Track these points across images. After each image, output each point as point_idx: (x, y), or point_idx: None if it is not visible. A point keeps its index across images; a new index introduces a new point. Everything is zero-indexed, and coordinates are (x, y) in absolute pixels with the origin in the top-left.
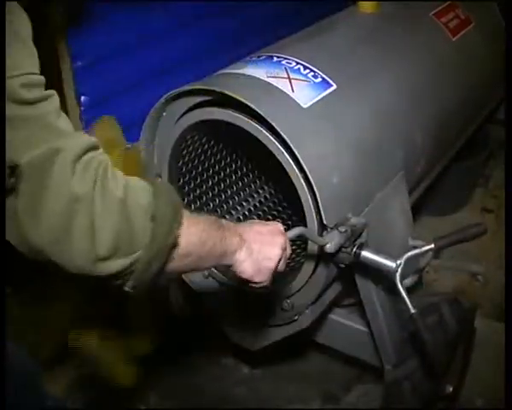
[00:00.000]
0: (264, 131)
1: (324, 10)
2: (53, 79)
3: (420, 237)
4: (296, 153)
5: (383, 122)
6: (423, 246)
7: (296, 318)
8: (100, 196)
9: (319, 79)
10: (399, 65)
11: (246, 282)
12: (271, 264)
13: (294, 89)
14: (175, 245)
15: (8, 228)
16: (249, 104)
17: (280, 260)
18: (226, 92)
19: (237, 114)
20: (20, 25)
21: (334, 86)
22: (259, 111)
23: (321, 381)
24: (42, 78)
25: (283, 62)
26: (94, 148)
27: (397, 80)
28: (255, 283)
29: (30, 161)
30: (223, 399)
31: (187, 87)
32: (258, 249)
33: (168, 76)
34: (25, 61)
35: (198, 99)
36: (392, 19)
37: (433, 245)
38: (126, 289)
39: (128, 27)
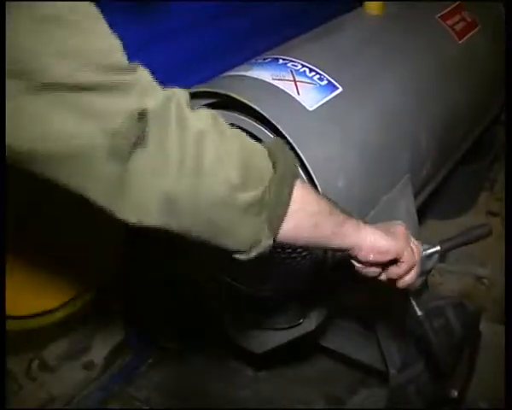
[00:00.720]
0: (270, 134)
1: (331, 10)
2: None
3: (426, 241)
4: (301, 155)
5: (389, 125)
6: (429, 249)
7: (301, 321)
8: (218, 131)
9: (325, 82)
10: (405, 68)
11: (387, 266)
12: (402, 232)
13: (300, 91)
14: (294, 183)
15: (135, 191)
16: (254, 106)
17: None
18: (231, 95)
19: (242, 117)
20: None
21: (340, 89)
22: (264, 113)
23: (325, 384)
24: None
25: (289, 65)
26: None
27: (403, 83)
28: (399, 261)
29: (154, 105)
30: (227, 401)
31: (192, 90)
32: (384, 225)
33: (174, 77)
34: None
35: (203, 102)
36: (398, 21)
37: (439, 247)
38: (265, 238)
39: (132, 28)
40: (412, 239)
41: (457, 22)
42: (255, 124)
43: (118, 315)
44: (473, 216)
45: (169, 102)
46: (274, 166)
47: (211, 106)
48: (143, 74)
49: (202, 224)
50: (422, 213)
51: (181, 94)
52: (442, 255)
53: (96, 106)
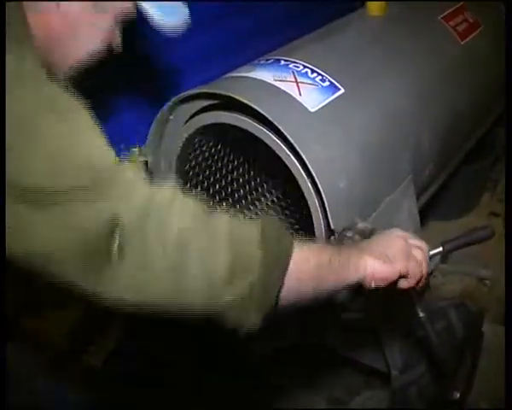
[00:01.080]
0: (272, 135)
1: (334, 11)
2: None
3: (428, 242)
4: (303, 157)
5: (391, 126)
6: (431, 250)
7: None
8: (203, 227)
9: (327, 83)
10: (408, 69)
11: (393, 285)
12: (401, 250)
13: (302, 93)
14: (287, 265)
15: (115, 292)
16: (256, 108)
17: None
18: (233, 96)
19: (244, 118)
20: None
21: (342, 90)
22: (266, 115)
23: (327, 385)
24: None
25: (291, 66)
26: (178, 191)
27: (405, 84)
28: (404, 278)
29: (129, 217)
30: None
31: (194, 91)
32: (382, 246)
33: (175, 79)
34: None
35: (205, 102)
36: (401, 22)
37: (441, 248)
38: (250, 325)
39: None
40: (414, 241)
41: (460, 23)
42: (257, 125)
43: None
44: (475, 217)
45: (147, 210)
46: (265, 248)
47: (213, 107)
48: (124, 176)
49: (184, 314)
50: (424, 214)
51: (165, 192)
52: (444, 256)
53: (69, 216)
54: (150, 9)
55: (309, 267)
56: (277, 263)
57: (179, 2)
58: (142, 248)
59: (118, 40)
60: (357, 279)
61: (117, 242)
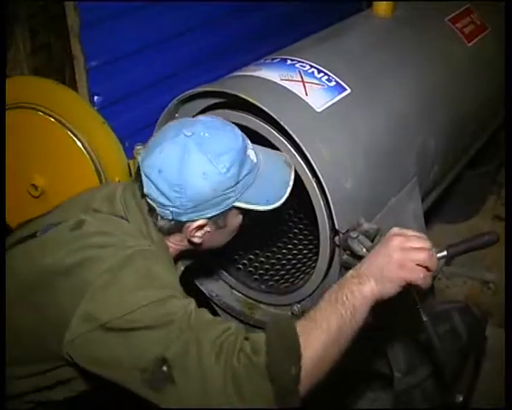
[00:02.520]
0: (277, 135)
1: (341, 12)
2: (67, 79)
3: (432, 244)
4: (309, 157)
5: (397, 127)
6: (436, 252)
7: None
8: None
9: (333, 83)
10: (414, 70)
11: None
12: (398, 264)
13: (308, 92)
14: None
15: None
16: (262, 107)
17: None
18: (239, 95)
19: (250, 117)
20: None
21: (349, 90)
22: (272, 114)
23: (330, 388)
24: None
25: (297, 65)
26: (226, 330)
27: (411, 86)
28: (410, 285)
29: (174, 353)
30: None
31: (200, 89)
32: (380, 265)
33: (182, 77)
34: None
35: (211, 101)
36: (408, 23)
37: (445, 252)
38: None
39: (142, 28)
40: (413, 242)
41: (467, 25)
42: (263, 124)
43: None
44: (480, 220)
45: (189, 347)
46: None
47: (219, 105)
48: (182, 318)
49: None
50: (430, 216)
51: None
52: (448, 260)
53: (133, 346)
54: (253, 208)
55: (321, 345)
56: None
57: None
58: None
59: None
60: (369, 306)
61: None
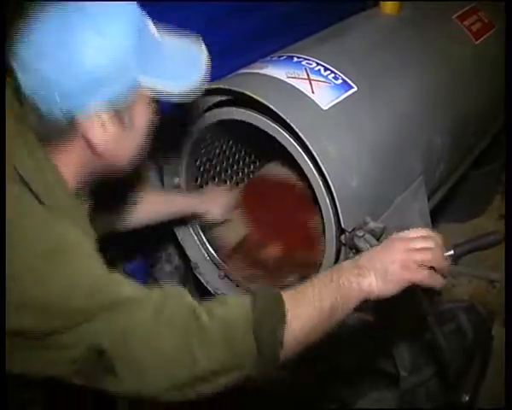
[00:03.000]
0: (283, 132)
1: (347, 9)
2: None
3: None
4: (315, 155)
5: (403, 125)
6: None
7: None
8: (197, 334)
9: (340, 81)
10: (421, 67)
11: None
12: (402, 265)
13: (314, 90)
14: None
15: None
16: (268, 105)
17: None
18: (245, 92)
19: (256, 115)
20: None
21: (355, 88)
22: (279, 112)
23: (334, 386)
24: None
25: (304, 63)
26: (170, 296)
27: (417, 83)
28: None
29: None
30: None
31: (205, 86)
32: (380, 260)
33: None
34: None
35: (217, 98)
36: (414, 21)
37: (452, 252)
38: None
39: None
40: (418, 242)
41: (474, 23)
42: (269, 122)
43: None
44: (485, 219)
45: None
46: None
47: (225, 103)
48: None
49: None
50: (436, 215)
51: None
52: (455, 259)
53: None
54: (164, 88)
55: (309, 321)
56: (273, 351)
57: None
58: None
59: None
60: (362, 298)
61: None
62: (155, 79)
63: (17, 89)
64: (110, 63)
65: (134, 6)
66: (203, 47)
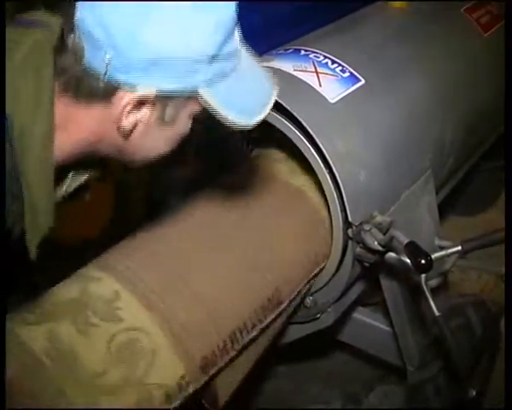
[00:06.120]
0: (291, 126)
1: (355, 2)
2: None
3: (447, 237)
4: (322, 148)
5: (412, 119)
6: (450, 247)
7: (318, 316)
8: None
9: (347, 74)
10: (429, 60)
11: None
12: None
13: (322, 83)
14: None
15: None
16: (275, 98)
17: None
18: None
19: None
20: None
21: (363, 81)
22: (286, 105)
23: (343, 381)
24: None
25: (311, 56)
26: None
27: (426, 76)
28: None
29: None
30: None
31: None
32: None
33: None
34: None
35: None
36: (423, 14)
37: (460, 247)
38: None
39: None
40: None
41: (483, 15)
42: (276, 115)
43: None
44: (495, 213)
45: None
46: None
47: None
48: None
49: None
50: (444, 208)
51: None
52: (462, 255)
53: None
54: (223, 112)
55: None
56: None
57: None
58: None
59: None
60: None
61: None
62: (216, 103)
63: (71, 26)
64: (186, 50)
65: (232, 9)
66: (275, 83)
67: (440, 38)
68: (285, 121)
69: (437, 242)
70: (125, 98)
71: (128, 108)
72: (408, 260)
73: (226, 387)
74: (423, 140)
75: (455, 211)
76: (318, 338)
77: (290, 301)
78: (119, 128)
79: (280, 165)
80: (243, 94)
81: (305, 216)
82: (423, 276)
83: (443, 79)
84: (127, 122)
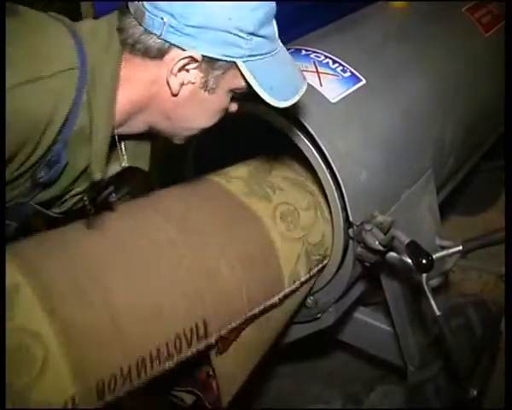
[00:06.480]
0: (291, 125)
1: (355, 2)
2: None
3: (448, 237)
4: (323, 148)
5: (412, 119)
6: (451, 246)
7: (319, 316)
8: None
9: (348, 74)
10: (430, 60)
11: None
12: None
13: (323, 83)
14: None
15: None
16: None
17: None
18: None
19: (264, 107)
20: None
21: (364, 81)
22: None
23: (344, 380)
24: None
25: (312, 56)
26: None
27: (427, 76)
28: None
29: None
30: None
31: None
32: None
33: None
34: None
35: None
36: (424, 14)
37: (460, 247)
38: None
39: None
40: None
41: (484, 15)
42: (276, 115)
43: None
44: (496, 213)
45: None
46: None
47: None
48: None
49: None
50: (445, 208)
51: None
52: (463, 254)
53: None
54: (257, 88)
55: None
56: None
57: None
58: None
59: (233, 107)
60: None
61: None
62: (252, 78)
63: None
64: (228, 23)
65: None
66: (304, 77)
67: (441, 37)
68: (285, 121)
69: (438, 241)
70: (175, 58)
71: (178, 65)
72: (409, 260)
73: (228, 387)
74: (423, 140)
75: (455, 211)
76: (319, 338)
77: (219, 337)
78: (168, 84)
79: (238, 183)
80: (277, 77)
81: (258, 242)
82: (424, 276)
83: (443, 78)
84: (176, 81)
